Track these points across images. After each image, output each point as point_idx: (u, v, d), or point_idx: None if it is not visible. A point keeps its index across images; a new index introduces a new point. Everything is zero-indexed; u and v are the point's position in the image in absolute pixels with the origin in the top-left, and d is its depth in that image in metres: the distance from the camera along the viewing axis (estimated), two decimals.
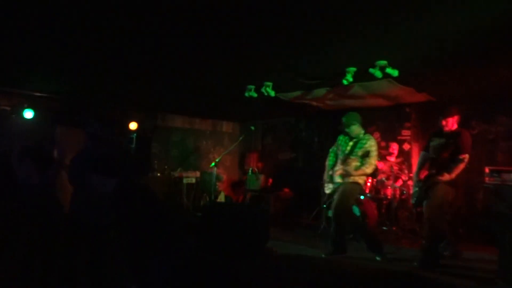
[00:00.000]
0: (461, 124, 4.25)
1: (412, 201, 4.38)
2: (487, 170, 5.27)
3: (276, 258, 4.11)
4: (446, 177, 3.91)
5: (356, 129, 4.40)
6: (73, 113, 6.94)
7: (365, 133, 4.46)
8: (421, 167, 4.32)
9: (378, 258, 4.16)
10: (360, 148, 4.31)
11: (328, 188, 4.53)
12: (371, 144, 4.30)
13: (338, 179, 4.36)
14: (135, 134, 7.02)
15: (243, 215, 4.18)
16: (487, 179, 5.23)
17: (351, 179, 4.29)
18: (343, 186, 4.30)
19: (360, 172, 4.27)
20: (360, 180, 4.35)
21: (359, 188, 4.40)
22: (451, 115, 4.14)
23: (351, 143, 4.41)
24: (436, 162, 4.11)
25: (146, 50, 4.01)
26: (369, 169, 4.29)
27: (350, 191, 4.28)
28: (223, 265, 3.77)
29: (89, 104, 7.00)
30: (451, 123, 4.15)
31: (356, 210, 5.28)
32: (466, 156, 3.94)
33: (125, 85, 5.60)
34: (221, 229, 4.10)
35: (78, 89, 6.16)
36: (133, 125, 7.06)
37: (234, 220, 4.12)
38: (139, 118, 7.33)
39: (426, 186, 4.11)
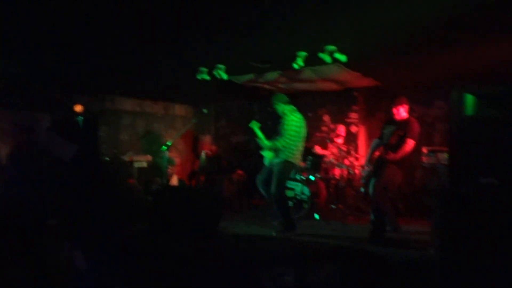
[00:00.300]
0: (409, 111, 4.56)
1: (362, 180, 4.70)
2: (424, 150, 5.68)
3: (229, 238, 4.20)
4: (391, 155, 4.24)
5: (280, 108, 4.57)
6: (9, 95, 6.47)
7: (291, 111, 4.54)
8: (372, 152, 4.69)
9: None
10: (282, 126, 4.49)
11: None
12: (287, 120, 4.44)
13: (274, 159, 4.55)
14: (80, 117, 6.69)
15: (195, 198, 4.22)
16: (424, 158, 5.64)
17: (281, 157, 4.46)
18: (275, 165, 4.49)
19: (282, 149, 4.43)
20: (290, 158, 4.46)
21: (290, 166, 4.50)
22: (401, 104, 4.46)
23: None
24: (387, 147, 4.41)
25: (91, 26, 3.80)
26: (279, 143, 4.42)
27: (280, 170, 4.43)
28: (175, 248, 3.79)
29: (28, 86, 6.55)
30: (401, 112, 4.47)
31: (306, 190, 5.50)
32: (411, 141, 4.27)
33: (68, 65, 5.28)
34: (173, 212, 4.11)
35: (15, 70, 5.72)
36: (78, 108, 6.71)
37: (186, 203, 4.14)
38: (85, 101, 6.98)
39: (375, 167, 4.45)
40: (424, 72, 5.39)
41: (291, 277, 3.57)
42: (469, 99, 2.42)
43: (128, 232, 4.33)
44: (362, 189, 5.65)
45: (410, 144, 4.28)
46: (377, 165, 4.45)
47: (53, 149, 2.48)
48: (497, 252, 2.27)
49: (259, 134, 4.71)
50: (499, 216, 2.27)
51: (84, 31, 3.87)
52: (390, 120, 4.60)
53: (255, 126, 4.79)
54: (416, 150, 5.86)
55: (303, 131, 4.53)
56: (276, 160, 4.50)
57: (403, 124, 4.40)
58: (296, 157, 4.53)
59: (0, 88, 6.30)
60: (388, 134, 4.49)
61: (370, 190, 4.45)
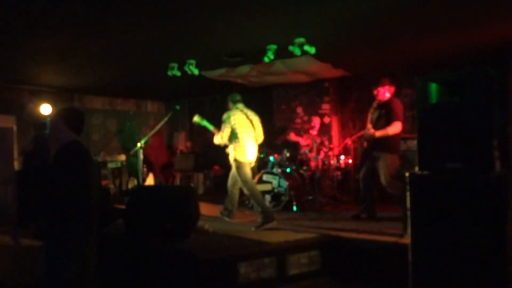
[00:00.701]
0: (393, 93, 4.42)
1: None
2: None
3: (208, 235, 4.19)
4: (377, 133, 4.21)
5: (228, 106, 4.72)
6: None
7: (236, 109, 4.62)
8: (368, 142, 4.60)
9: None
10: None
11: None
12: (226, 118, 4.53)
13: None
14: (48, 119, 6.44)
15: (172, 196, 4.16)
16: None
17: (232, 157, 4.58)
18: (233, 165, 4.64)
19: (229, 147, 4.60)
20: (239, 157, 4.49)
21: (242, 164, 4.51)
22: (381, 85, 4.32)
23: None
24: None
25: (55, 23, 3.66)
26: (216, 140, 4.62)
27: (237, 171, 4.56)
28: (153, 247, 3.75)
29: None
30: (382, 93, 4.34)
31: (283, 183, 5.55)
32: (398, 123, 4.19)
33: (32, 63, 5.08)
34: (150, 211, 4.05)
35: None
36: (46, 108, 6.43)
37: (163, 201, 4.09)
38: (51, 101, 6.73)
39: (371, 158, 4.43)
40: (390, 61, 5.51)
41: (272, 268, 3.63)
42: (433, 87, 2.49)
43: (104, 233, 4.25)
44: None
45: (396, 125, 4.18)
46: (366, 155, 4.45)
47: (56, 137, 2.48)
48: (464, 233, 2.37)
49: (208, 125, 4.79)
50: (464, 198, 2.37)
51: (49, 26, 3.73)
52: (376, 104, 4.47)
53: (200, 121, 4.81)
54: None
55: (244, 129, 4.54)
56: (231, 160, 4.62)
57: (385, 106, 4.30)
58: (246, 156, 4.54)
59: None
60: (374, 120, 4.41)
61: (362, 180, 4.55)
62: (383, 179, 4.36)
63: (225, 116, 4.56)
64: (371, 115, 4.49)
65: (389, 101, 4.37)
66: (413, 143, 5.14)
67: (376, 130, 4.31)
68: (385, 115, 4.30)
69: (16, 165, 6.57)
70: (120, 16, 3.52)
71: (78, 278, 2.36)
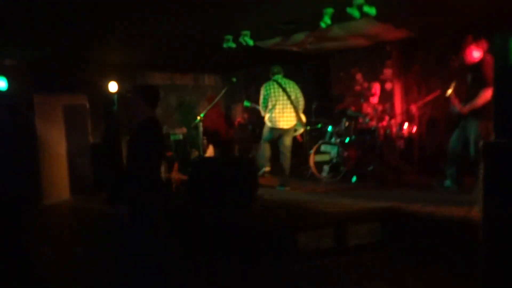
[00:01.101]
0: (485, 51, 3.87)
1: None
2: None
3: (267, 205, 4.26)
4: (465, 109, 3.94)
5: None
6: (51, 79, 6.72)
7: (272, 80, 5.27)
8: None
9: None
10: None
11: None
12: (262, 88, 5.29)
13: None
14: (116, 95, 6.87)
15: (232, 167, 4.28)
16: None
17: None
18: None
19: None
20: (267, 122, 5.26)
21: (266, 128, 5.32)
22: (467, 45, 3.89)
23: None
24: (469, 99, 3.94)
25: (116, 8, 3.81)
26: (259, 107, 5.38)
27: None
28: (214, 217, 3.91)
29: (65, 70, 6.76)
30: (469, 54, 3.90)
31: (341, 153, 5.41)
32: (488, 89, 3.66)
33: (99, 46, 5.37)
34: (211, 182, 4.21)
35: (50, 55, 5.91)
36: (113, 86, 6.85)
37: (223, 172, 4.22)
38: (117, 79, 7.13)
39: (462, 125, 4.13)
40: (462, 17, 4.94)
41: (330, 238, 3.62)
42: None
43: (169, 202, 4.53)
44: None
45: (485, 93, 3.69)
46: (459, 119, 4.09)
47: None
48: None
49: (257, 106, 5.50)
50: None
51: (112, 11, 3.89)
52: (470, 66, 3.99)
53: (250, 104, 6.12)
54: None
55: (273, 97, 5.13)
56: None
57: (476, 69, 3.81)
58: (273, 122, 5.16)
59: (37, 73, 6.55)
60: (469, 84, 3.94)
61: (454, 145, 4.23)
62: (472, 149, 3.97)
63: (263, 86, 5.26)
64: (467, 81, 4.04)
65: (480, 62, 3.87)
66: None
67: (464, 106, 3.94)
68: (478, 80, 3.81)
69: (91, 138, 7.17)
70: None
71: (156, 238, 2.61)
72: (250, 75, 8.88)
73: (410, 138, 5.79)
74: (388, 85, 6.41)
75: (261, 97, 5.24)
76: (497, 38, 2.26)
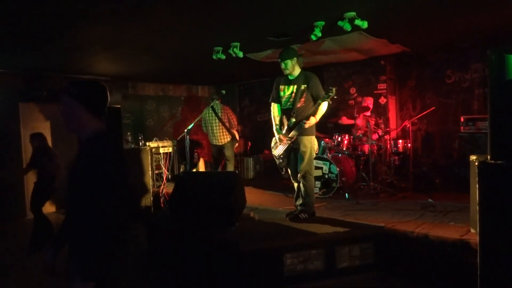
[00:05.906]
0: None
1: None
2: (462, 119, 5.24)
3: (254, 224, 4.07)
4: None
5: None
6: (37, 88, 6.57)
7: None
8: None
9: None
10: None
11: None
12: None
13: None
14: None
15: (217, 184, 4.07)
16: (462, 128, 5.21)
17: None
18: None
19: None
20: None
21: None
22: None
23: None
24: None
25: (101, 14, 3.68)
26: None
27: None
28: (197, 236, 3.70)
29: (52, 78, 6.62)
30: None
31: (333, 169, 5.25)
32: None
33: (82, 53, 5.23)
34: (195, 199, 4.01)
35: (38, 64, 5.77)
36: None
37: (208, 189, 4.02)
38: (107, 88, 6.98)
39: None
40: (456, 33, 4.86)
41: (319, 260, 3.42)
42: (510, 59, 2.07)
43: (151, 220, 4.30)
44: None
45: None
46: None
47: None
48: None
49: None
50: None
51: (102, 21, 3.75)
52: None
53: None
54: (452, 118, 5.42)
55: None
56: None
57: None
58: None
59: (27, 82, 6.41)
60: None
61: None
62: None
63: None
64: None
65: None
66: (485, 125, 4.55)
67: None
68: None
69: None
70: (163, 2, 3.42)
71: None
72: (244, 87, 8.78)
73: (404, 154, 5.65)
74: (382, 100, 6.30)
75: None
76: (491, 54, 2.14)
